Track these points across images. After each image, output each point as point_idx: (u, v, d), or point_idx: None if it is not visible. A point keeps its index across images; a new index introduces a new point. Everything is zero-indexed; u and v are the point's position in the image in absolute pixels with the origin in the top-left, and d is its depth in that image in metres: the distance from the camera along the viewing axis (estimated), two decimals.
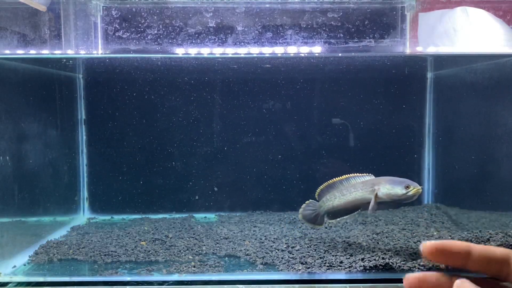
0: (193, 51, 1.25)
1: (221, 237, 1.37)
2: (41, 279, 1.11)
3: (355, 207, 1.19)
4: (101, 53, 1.31)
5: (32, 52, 1.24)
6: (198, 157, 1.72)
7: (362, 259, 1.13)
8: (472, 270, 0.54)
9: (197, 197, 1.72)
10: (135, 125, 1.71)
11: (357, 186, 1.17)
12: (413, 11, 1.32)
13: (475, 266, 0.53)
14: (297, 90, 1.72)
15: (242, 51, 1.24)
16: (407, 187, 1.10)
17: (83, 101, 1.70)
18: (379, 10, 1.31)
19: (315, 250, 1.22)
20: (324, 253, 1.20)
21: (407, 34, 1.32)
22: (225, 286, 1.08)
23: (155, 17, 1.24)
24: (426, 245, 0.54)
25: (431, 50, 1.34)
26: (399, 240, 1.28)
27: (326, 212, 1.23)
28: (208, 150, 1.72)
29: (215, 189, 1.70)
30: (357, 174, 1.20)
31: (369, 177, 1.18)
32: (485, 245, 1.13)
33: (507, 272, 0.53)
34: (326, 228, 1.43)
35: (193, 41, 1.24)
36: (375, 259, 1.12)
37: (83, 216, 1.71)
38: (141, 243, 1.31)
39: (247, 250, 1.25)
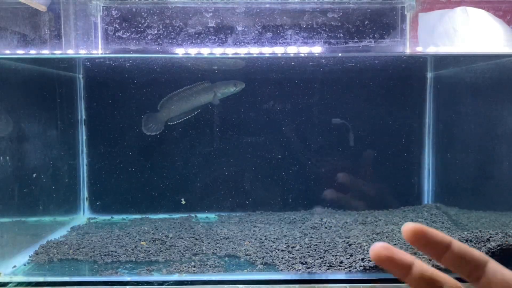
0: (193, 51, 1.25)
1: (221, 237, 1.37)
2: (41, 279, 1.11)
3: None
4: (101, 53, 1.31)
5: (32, 52, 1.24)
6: (198, 157, 1.72)
7: (362, 259, 1.13)
8: (444, 265, 0.53)
9: (182, 201, 1.71)
10: (135, 125, 1.70)
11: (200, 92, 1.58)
12: (413, 11, 1.32)
13: (449, 262, 0.53)
14: (296, 90, 1.72)
15: (242, 51, 1.24)
16: (235, 84, 1.60)
17: (83, 101, 1.70)
18: (379, 10, 1.31)
19: (315, 250, 1.22)
20: (324, 253, 1.20)
21: (407, 34, 1.32)
22: (225, 286, 1.08)
23: (155, 17, 1.24)
24: (407, 227, 0.52)
25: (431, 50, 1.34)
26: (399, 240, 1.28)
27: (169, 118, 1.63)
28: (208, 150, 1.73)
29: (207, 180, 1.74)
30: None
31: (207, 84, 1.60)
32: (484, 244, 1.14)
33: (477, 276, 0.53)
34: (326, 228, 1.44)
35: (193, 41, 1.24)
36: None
37: (83, 216, 1.71)
38: (141, 243, 1.31)
39: (247, 250, 1.25)
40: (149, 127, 1.64)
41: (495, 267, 0.53)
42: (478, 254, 0.53)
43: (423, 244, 0.52)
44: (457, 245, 0.53)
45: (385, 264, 0.52)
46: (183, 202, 1.63)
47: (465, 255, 0.53)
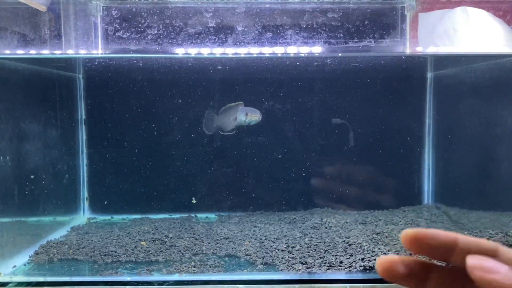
0: (193, 51, 1.25)
1: (221, 237, 1.37)
2: (41, 279, 1.11)
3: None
4: (101, 53, 1.31)
5: (32, 52, 1.24)
6: (198, 157, 1.72)
7: (362, 259, 1.13)
8: (455, 264, 0.49)
9: (193, 200, 1.71)
10: (135, 125, 1.70)
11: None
12: (413, 11, 1.32)
13: (459, 260, 0.48)
14: (296, 90, 1.72)
15: (242, 51, 1.24)
16: (246, 114, 1.47)
17: (83, 101, 1.70)
18: (379, 10, 1.31)
19: (315, 250, 1.22)
20: (324, 253, 1.20)
21: (407, 34, 1.32)
22: (225, 286, 1.08)
23: (155, 17, 1.24)
24: (406, 235, 0.47)
25: (431, 50, 1.34)
26: (399, 240, 1.28)
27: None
28: (208, 150, 1.73)
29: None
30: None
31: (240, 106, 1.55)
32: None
33: None
34: (326, 228, 1.44)
35: (193, 41, 1.24)
36: (375, 259, 1.12)
37: (83, 216, 1.71)
38: (141, 243, 1.31)
39: (247, 250, 1.25)
40: (205, 124, 1.65)
41: (506, 253, 0.47)
42: (486, 244, 0.48)
43: (427, 250, 0.48)
44: (463, 241, 0.48)
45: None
46: (194, 201, 1.62)
47: (472, 250, 0.47)
